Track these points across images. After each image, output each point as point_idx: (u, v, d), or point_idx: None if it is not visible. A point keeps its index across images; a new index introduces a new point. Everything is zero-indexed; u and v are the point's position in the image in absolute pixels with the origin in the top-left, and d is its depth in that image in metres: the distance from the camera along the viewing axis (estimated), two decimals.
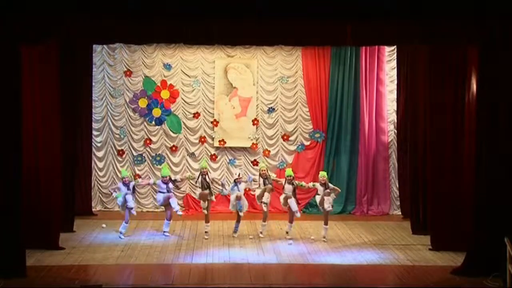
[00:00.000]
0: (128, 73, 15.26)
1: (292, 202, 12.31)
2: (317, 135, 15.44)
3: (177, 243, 12.08)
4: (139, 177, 14.59)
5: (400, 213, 15.01)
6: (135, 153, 15.34)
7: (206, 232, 12.50)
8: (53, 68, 11.37)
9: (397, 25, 10.09)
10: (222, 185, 13.12)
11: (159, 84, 15.31)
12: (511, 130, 9.92)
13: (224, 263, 10.81)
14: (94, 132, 15.11)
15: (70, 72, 12.66)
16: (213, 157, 15.46)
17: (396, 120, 15.07)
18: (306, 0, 9.84)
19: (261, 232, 12.55)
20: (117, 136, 15.31)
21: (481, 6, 9.78)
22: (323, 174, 12.63)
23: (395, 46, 14.60)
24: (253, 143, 15.42)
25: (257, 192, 12.61)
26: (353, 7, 9.78)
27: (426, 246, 11.85)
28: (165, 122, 15.36)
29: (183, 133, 15.46)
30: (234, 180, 12.53)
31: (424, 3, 9.82)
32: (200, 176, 12.62)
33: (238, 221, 12.56)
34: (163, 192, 12.58)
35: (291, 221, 12.47)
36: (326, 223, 12.39)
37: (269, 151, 15.50)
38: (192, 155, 15.45)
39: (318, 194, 12.49)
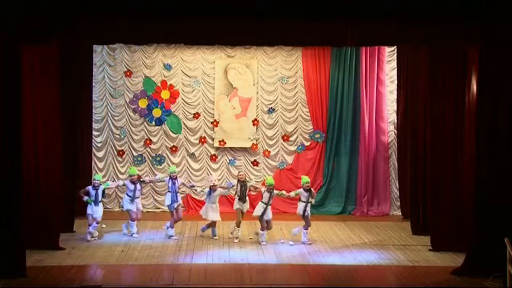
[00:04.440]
0: (128, 73, 15.27)
1: (268, 210, 12.23)
2: (317, 135, 15.44)
3: (177, 244, 12.08)
4: (139, 177, 14.63)
5: (400, 213, 15.00)
6: (135, 154, 15.34)
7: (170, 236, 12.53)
8: (53, 68, 11.36)
9: (397, 25, 10.10)
10: (192, 187, 13.51)
11: (159, 85, 15.32)
12: (511, 130, 9.92)
13: (224, 264, 10.80)
14: (94, 133, 15.12)
15: (70, 72, 12.67)
16: (213, 157, 15.46)
17: (396, 121, 15.07)
18: (306, 0, 9.84)
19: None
20: (117, 136, 15.31)
21: (481, 6, 9.78)
22: (306, 180, 12.36)
23: (395, 47, 14.61)
24: (253, 144, 15.42)
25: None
26: (353, 7, 9.79)
27: (426, 246, 11.84)
28: (165, 122, 15.36)
29: (183, 134, 15.46)
30: (210, 187, 12.49)
31: (424, 3, 9.82)
32: (170, 181, 12.69)
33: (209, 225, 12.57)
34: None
35: (263, 229, 12.16)
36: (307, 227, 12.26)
37: (269, 151, 15.50)
38: (192, 155, 15.45)
39: (303, 201, 12.22)
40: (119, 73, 15.27)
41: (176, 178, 12.78)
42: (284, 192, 12.71)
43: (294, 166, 15.44)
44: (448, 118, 11.35)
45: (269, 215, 12.22)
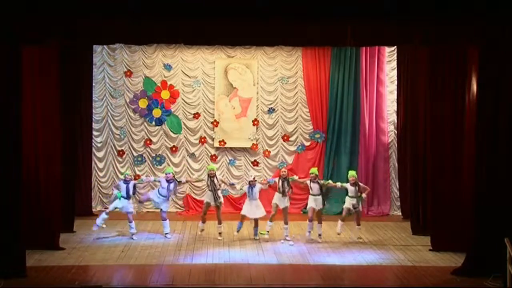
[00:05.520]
0: (128, 73, 15.27)
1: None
2: (317, 135, 15.44)
3: (177, 244, 12.08)
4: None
5: (400, 213, 15.01)
6: (135, 154, 15.35)
7: (219, 233, 12.51)
8: (53, 68, 11.36)
9: (397, 25, 10.09)
10: (231, 185, 13.34)
11: (159, 85, 15.32)
12: (511, 130, 9.93)
13: (224, 264, 10.80)
14: (94, 133, 15.12)
15: (70, 72, 12.69)
16: (213, 157, 15.46)
17: (396, 121, 15.08)
18: (306, 0, 9.84)
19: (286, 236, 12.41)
20: (117, 136, 15.32)
21: (481, 6, 9.78)
22: (353, 174, 12.50)
23: (395, 47, 14.61)
24: (253, 144, 15.42)
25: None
26: (353, 7, 9.78)
27: (426, 246, 11.84)
28: (165, 122, 15.37)
29: (183, 134, 15.46)
30: (249, 182, 12.49)
31: (424, 3, 9.82)
32: (208, 179, 12.61)
33: (256, 225, 12.48)
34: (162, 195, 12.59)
35: (320, 222, 12.42)
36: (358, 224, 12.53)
37: (269, 151, 15.51)
38: (192, 155, 15.45)
39: (350, 196, 12.38)
40: (119, 73, 15.27)
41: (214, 176, 12.59)
42: (330, 181, 12.85)
43: (294, 166, 15.43)
44: (448, 118, 11.34)
45: (320, 204, 12.30)
